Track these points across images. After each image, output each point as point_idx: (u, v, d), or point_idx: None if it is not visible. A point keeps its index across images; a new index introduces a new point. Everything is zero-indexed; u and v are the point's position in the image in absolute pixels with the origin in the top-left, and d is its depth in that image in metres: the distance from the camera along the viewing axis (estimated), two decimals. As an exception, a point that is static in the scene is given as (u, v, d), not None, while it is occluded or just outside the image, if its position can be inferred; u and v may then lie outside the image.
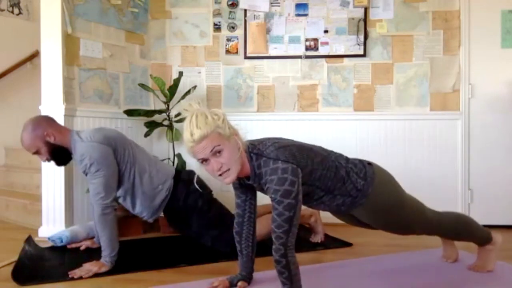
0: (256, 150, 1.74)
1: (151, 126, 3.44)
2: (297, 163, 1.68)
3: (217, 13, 3.68)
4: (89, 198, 2.49)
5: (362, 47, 3.53)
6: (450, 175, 3.49)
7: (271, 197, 1.67)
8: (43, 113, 3.01)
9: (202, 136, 1.62)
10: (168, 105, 3.41)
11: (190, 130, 1.63)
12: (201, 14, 3.69)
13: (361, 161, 1.92)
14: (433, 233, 2.08)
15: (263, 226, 2.37)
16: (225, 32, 3.67)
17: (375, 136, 3.55)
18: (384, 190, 1.86)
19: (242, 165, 1.73)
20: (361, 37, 3.53)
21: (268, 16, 3.61)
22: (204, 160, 1.67)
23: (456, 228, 2.09)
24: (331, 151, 1.91)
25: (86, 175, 2.40)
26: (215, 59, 3.69)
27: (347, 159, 1.89)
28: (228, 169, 1.67)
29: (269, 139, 1.83)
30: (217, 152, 1.65)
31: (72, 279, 2.16)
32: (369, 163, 1.91)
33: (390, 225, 1.97)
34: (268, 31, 3.62)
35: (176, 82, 3.36)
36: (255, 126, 3.64)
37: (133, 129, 3.55)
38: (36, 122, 2.42)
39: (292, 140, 1.87)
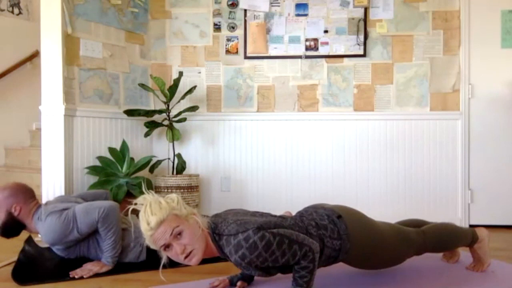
0: (218, 230, 1.70)
1: (151, 126, 3.43)
2: (258, 225, 1.63)
3: (217, 13, 3.68)
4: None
5: (362, 47, 3.53)
6: (450, 175, 3.49)
7: (265, 266, 1.65)
8: (43, 112, 3.01)
9: (159, 221, 1.60)
10: (168, 105, 3.41)
11: (146, 219, 1.61)
12: (201, 14, 3.69)
13: (329, 217, 1.84)
14: (422, 251, 2.05)
15: None
16: (225, 32, 3.67)
17: (375, 136, 3.55)
18: (361, 236, 1.83)
19: (206, 243, 1.69)
20: (361, 37, 3.53)
21: (268, 16, 3.61)
22: (166, 247, 1.64)
23: (441, 239, 2.07)
24: (302, 220, 1.83)
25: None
26: (215, 59, 3.69)
27: (317, 225, 1.81)
28: (192, 250, 1.65)
29: (236, 213, 1.79)
30: (177, 234, 1.63)
31: (73, 279, 2.16)
32: (339, 216, 1.84)
33: (381, 262, 1.96)
34: (268, 31, 3.62)
35: (176, 82, 3.36)
36: (255, 126, 3.64)
37: (133, 129, 3.55)
38: (14, 191, 2.32)
39: (268, 215, 1.81)
